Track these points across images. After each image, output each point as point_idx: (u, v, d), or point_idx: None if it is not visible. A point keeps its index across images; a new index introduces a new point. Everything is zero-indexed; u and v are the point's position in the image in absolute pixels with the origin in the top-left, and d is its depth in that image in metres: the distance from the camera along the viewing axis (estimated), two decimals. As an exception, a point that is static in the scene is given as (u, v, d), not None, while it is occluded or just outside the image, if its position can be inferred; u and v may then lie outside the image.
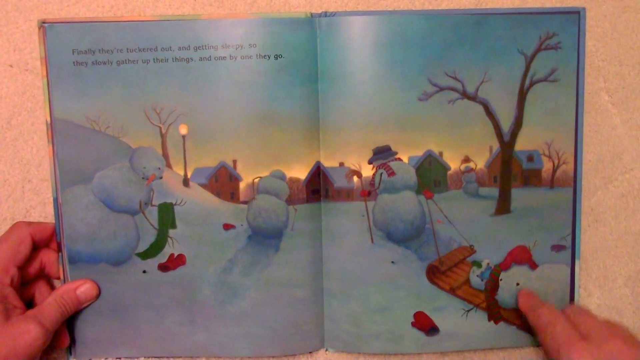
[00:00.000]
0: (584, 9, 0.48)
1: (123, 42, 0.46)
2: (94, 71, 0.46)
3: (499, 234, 0.49)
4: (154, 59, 0.46)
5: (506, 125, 0.48)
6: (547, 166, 0.49)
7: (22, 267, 0.48)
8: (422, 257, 0.49)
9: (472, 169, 0.48)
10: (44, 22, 0.46)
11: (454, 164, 0.48)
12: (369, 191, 0.48)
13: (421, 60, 0.47)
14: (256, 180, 0.48)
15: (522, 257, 0.49)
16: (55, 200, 0.48)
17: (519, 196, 0.49)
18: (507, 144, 0.48)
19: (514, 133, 0.48)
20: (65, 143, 0.47)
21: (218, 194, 0.48)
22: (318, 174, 0.48)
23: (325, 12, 0.47)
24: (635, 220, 0.54)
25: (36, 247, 0.49)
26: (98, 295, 0.49)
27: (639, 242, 0.54)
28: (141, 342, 0.50)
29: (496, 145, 0.48)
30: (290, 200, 0.48)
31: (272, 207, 0.48)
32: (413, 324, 0.49)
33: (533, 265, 0.50)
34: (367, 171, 0.48)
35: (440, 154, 0.48)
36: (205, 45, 0.46)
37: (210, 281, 0.49)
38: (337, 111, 0.47)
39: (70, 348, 0.50)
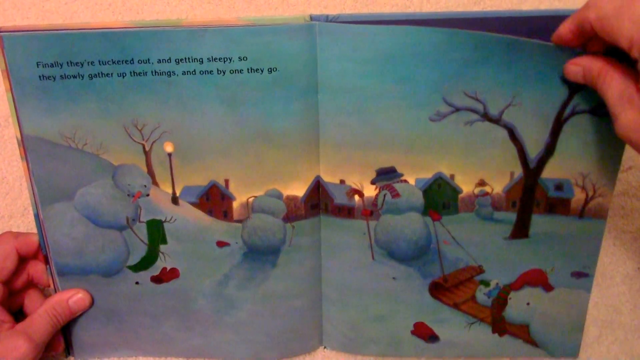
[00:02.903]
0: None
1: (93, 53, 0.40)
2: (63, 86, 0.41)
3: (512, 257, 0.46)
4: (130, 72, 0.40)
5: (533, 151, 0.43)
6: (578, 196, 0.44)
7: (9, 282, 0.46)
8: (426, 275, 0.47)
9: (487, 193, 0.44)
10: (0, 31, 0.39)
11: (466, 187, 0.44)
12: (371, 211, 0.45)
13: (436, 77, 0.41)
14: (250, 199, 0.44)
15: (536, 279, 0.47)
16: (37, 216, 0.45)
17: (540, 222, 0.45)
18: (532, 170, 0.43)
19: (543, 160, 0.43)
20: (39, 160, 0.43)
21: (210, 212, 0.45)
22: (317, 188, 0.45)
23: (327, 16, 0.40)
24: (632, 218, 0.52)
25: (23, 259, 0.47)
26: (91, 305, 0.48)
27: (637, 240, 0.53)
28: (139, 344, 0.50)
29: (519, 171, 0.43)
30: (287, 218, 0.45)
31: (268, 225, 0.45)
32: (412, 332, 0.49)
33: (548, 288, 0.47)
34: (370, 191, 0.44)
35: (452, 176, 0.44)
36: (188, 58, 0.40)
37: (206, 293, 0.47)
38: (338, 127, 0.42)
39: (69, 349, 0.50)
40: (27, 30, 0.40)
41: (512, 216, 0.45)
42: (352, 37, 0.40)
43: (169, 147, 0.43)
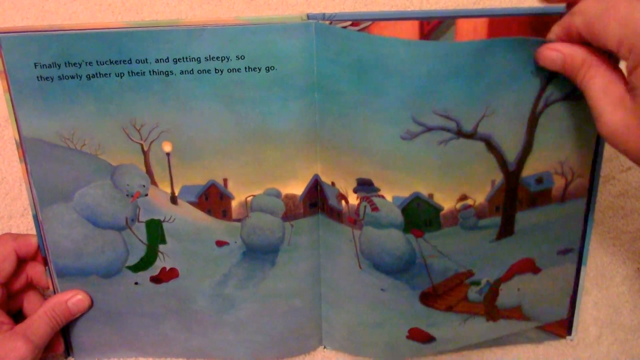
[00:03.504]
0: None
1: (91, 54, 0.40)
2: (61, 86, 0.41)
3: (499, 256, 0.45)
4: (128, 72, 0.41)
5: (512, 155, 0.41)
6: (558, 184, 0.43)
7: (7, 283, 0.46)
8: (414, 287, 0.45)
9: (469, 206, 0.42)
10: (-3, 32, 0.40)
11: (447, 204, 0.42)
12: (354, 219, 0.44)
13: (403, 94, 0.38)
14: (249, 198, 0.44)
15: (525, 267, 0.47)
16: (35, 217, 0.45)
17: (525, 217, 0.44)
18: (512, 173, 0.42)
19: (522, 160, 0.42)
20: (38, 162, 0.43)
21: (209, 211, 0.45)
22: (316, 187, 0.45)
23: (323, 14, 0.40)
24: (632, 218, 0.52)
25: (22, 260, 0.47)
26: (91, 306, 0.48)
27: (637, 241, 0.53)
28: (139, 345, 0.50)
29: (500, 178, 0.42)
30: (286, 217, 0.45)
31: (267, 224, 0.45)
32: (408, 337, 0.48)
33: (536, 271, 0.47)
34: (353, 199, 0.43)
35: (431, 195, 0.42)
36: (186, 57, 0.40)
37: (205, 293, 0.47)
38: (331, 128, 0.42)
39: (68, 350, 0.50)
40: (25, 31, 0.40)
41: (496, 220, 0.44)
42: (339, 40, 0.39)
43: (167, 147, 0.43)
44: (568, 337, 0.52)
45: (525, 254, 0.46)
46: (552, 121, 0.41)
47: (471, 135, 0.40)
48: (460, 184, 0.42)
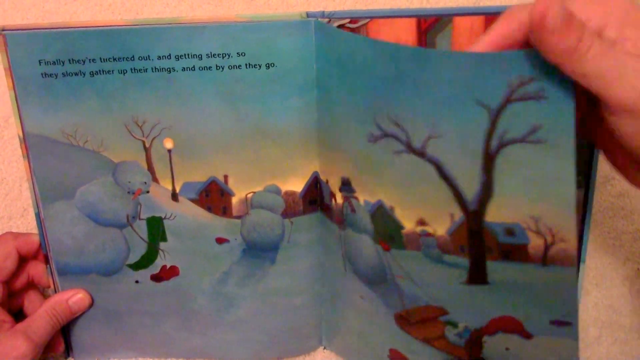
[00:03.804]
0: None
1: (95, 51, 0.41)
2: (65, 83, 0.41)
3: (474, 302, 0.41)
4: (131, 69, 0.41)
5: (470, 192, 0.37)
6: (535, 242, 0.37)
7: (9, 282, 0.46)
8: (388, 304, 0.44)
9: (429, 234, 0.39)
10: (3, 30, 0.40)
11: (407, 223, 0.40)
12: (340, 219, 0.44)
13: (367, 94, 0.37)
14: (249, 195, 0.45)
15: (510, 326, 0.41)
16: (37, 215, 0.45)
17: (498, 269, 0.39)
18: (473, 213, 0.37)
19: (482, 201, 0.37)
20: (41, 159, 0.44)
21: (209, 208, 0.45)
22: (315, 185, 0.45)
23: (323, 12, 0.41)
24: (632, 218, 0.52)
25: (23, 259, 0.47)
26: (91, 305, 0.48)
27: (637, 241, 0.53)
28: (138, 345, 0.50)
29: (459, 214, 0.38)
30: (286, 214, 0.45)
31: (267, 221, 0.46)
32: (389, 357, 0.47)
33: (526, 335, 0.41)
34: (340, 198, 0.43)
35: (392, 208, 0.40)
36: (187, 54, 0.41)
37: (206, 292, 0.48)
38: (324, 125, 0.42)
39: (68, 351, 0.50)
40: (30, 29, 0.40)
41: (464, 261, 0.40)
42: (330, 38, 0.40)
43: (168, 144, 0.43)
44: (568, 338, 0.52)
45: (508, 312, 0.40)
46: (514, 166, 0.35)
47: (421, 154, 0.37)
48: (417, 205, 0.39)
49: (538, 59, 0.31)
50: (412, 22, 0.42)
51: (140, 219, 0.46)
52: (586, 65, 0.29)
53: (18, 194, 0.49)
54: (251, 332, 0.49)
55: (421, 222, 0.39)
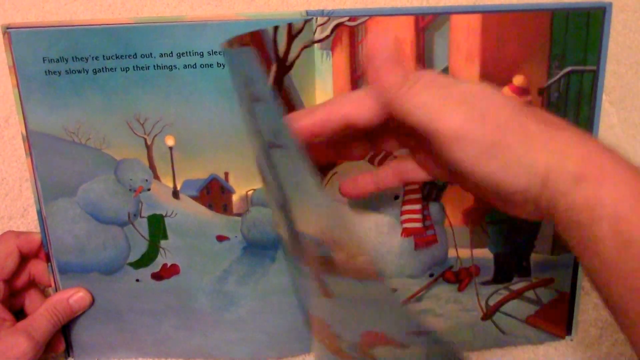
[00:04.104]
0: (610, 4, 0.42)
1: (98, 48, 0.41)
2: (68, 81, 0.42)
3: (339, 316, 0.39)
4: (133, 67, 0.42)
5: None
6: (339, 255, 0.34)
7: (10, 280, 0.47)
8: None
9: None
10: (8, 28, 0.41)
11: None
12: None
13: None
14: (250, 192, 0.45)
15: (380, 339, 0.36)
16: (39, 213, 0.45)
17: (331, 283, 0.36)
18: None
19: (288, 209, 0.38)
20: (44, 156, 0.44)
21: (210, 206, 0.46)
22: (315, 182, 0.45)
23: (322, 11, 0.42)
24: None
25: (25, 258, 0.47)
26: (92, 304, 0.48)
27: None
28: (138, 345, 0.50)
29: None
30: (286, 212, 0.46)
31: (267, 219, 0.46)
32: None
33: (400, 345, 0.36)
34: None
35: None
36: (189, 52, 0.42)
37: (206, 290, 0.48)
38: None
39: (68, 351, 0.50)
40: (34, 27, 0.41)
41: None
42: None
43: (170, 141, 0.44)
44: (568, 338, 0.52)
45: (363, 324, 0.37)
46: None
47: None
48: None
49: None
50: (411, 20, 0.42)
51: (141, 216, 0.46)
52: (414, 99, 0.31)
53: (18, 193, 0.49)
54: (251, 331, 0.49)
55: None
